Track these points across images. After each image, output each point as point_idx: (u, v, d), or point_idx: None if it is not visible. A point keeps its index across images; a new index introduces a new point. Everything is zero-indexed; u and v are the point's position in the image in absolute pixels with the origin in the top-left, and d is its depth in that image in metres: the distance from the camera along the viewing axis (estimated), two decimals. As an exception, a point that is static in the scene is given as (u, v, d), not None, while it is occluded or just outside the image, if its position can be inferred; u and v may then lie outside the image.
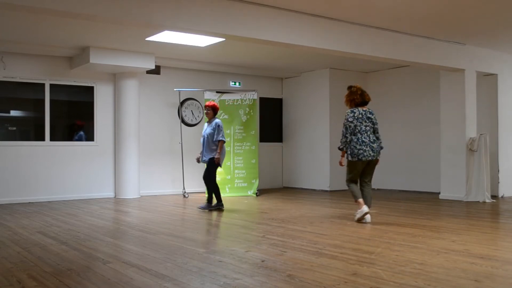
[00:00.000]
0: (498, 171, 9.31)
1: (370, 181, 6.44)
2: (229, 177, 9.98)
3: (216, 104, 7.75)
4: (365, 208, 6.11)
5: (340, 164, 6.40)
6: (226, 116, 10.05)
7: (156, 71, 10.02)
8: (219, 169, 9.87)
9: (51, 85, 9.13)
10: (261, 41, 6.53)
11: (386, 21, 7.23)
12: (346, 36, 7.24)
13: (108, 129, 9.70)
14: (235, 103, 10.10)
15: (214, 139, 7.47)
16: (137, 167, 9.66)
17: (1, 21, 6.92)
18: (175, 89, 10.06)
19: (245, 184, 10.00)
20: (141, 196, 9.77)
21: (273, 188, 11.66)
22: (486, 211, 7.44)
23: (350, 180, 6.38)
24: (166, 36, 7.63)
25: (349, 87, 6.59)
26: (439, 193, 9.34)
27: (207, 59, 9.88)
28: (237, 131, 10.07)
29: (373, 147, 6.20)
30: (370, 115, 6.28)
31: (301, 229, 5.69)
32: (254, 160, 10.07)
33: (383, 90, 11.24)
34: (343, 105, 10.98)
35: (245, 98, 10.13)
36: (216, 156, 7.43)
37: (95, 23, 6.91)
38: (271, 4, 6.27)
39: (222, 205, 7.66)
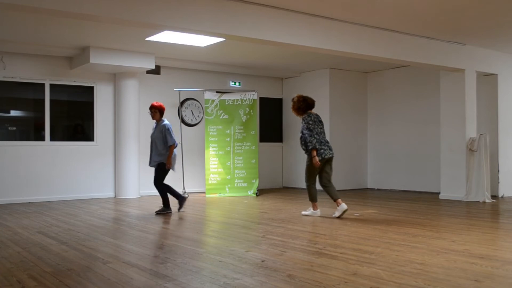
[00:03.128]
0: (498, 171, 9.31)
1: (331, 178, 6.81)
2: (229, 177, 9.98)
3: (162, 104, 7.36)
4: (318, 212, 6.82)
5: (317, 164, 6.52)
6: (226, 116, 10.05)
7: (156, 71, 10.02)
8: (218, 169, 9.93)
9: (51, 85, 9.13)
10: (261, 41, 6.53)
11: (386, 21, 7.23)
12: (346, 36, 7.23)
13: (108, 129, 9.70)
14: (235, 103, 10.10)
15: (164, 143, 7.08)
16: (137, 167, 9.66)
17: (1, 21, 6.92)
18: (175, 89, 10.06)
19: (245, 184, 10.00)
20: (141, 196, 9.76)
21: (273, 188, 11.66)
22: (486, 211, 7.44)
23: (312, 181, 6.77)
24: (166, 36, 7.63)
25: (293, 99, 6.91)
26: (439, 193, 9.34)
27: (207, 59, 9.88)
28: (237, 131, 10.07)
29: (329, 146, 6.72)
30: (320, 119, 6.81)
31: (301, 229, 5.69)
32: (254, 160, 10.07)
33: (383, 90, 11.24)
34: (343, 105, 11.10)
35: (245, 98, 10.13)
36: (169, 161, 7.05)
37: (95, 23, 6.92)
38: (271, 4, 6.27)
39: (170, 210, 7.22)
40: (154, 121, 7.43)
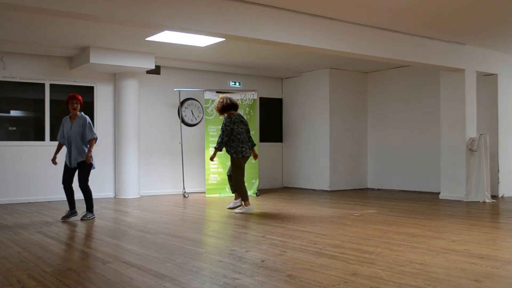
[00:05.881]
0: (498, 171, 9.31)
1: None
2: (229, 177, 9.97)
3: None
4: (251, 208, 7.33)
5: (212, 159, 7.35)
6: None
7: (156, 71, 10.02)
8: (218, 169, 9.92)
9: (51, 85, 9.13)
10: (261, 41, 6.53)
11: (386, 21, 7.23)
12: (346, 36, 7.24)
13: (108, 129, 9.70)
14: (235, 103, 10.09)
15: (88, 138, 6.52)
16: (137, 167, 9.66)
17: (1, 21, 6.92)
18: (175, 89, 10.06)
19: (245, 184, 9.97)
20: (141, 196, 9.76)
21: (273, 188, 11.66)
22: (486, 211, 7.44)
23: (242, 179, 7.32)
24: (166, 36, 7.63)
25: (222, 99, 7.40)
26: (439, 193, 9.34)
27: (207, 59, 9.88)
28: (237, 131, 10.06)
29: (248, 145, 7.32)
30: (242, 119, 7.35)
31: (301, 229, 5.69)
32: (254, 160, 10.06)
33: (383, 90, 11.25)
34: (343, 105, 11.09)
35: (245, 98, 10.13)
36: (89, 155, 6.44)
37: (95, 23, 6.92)
38: (271, 4, 6.27)
39: (93, 214, 6.69)
40: (68, 117, 6.70)
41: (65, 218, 6.59)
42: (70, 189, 6.65)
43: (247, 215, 7.06)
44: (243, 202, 7.31)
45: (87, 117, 6.68)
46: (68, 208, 6.71)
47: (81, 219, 6.57)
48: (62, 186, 6.68)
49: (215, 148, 7.22)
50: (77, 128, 6.54)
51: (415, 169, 10.51)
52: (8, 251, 4.56)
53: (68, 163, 6.60)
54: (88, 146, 6.55)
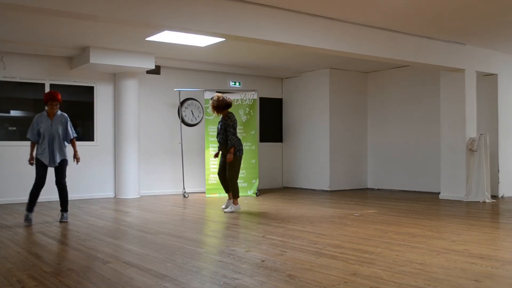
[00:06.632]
0: (498, 171, 9.31)
1: None
2: (229, 177, 9.96)
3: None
4: (239, 207, 7.42)
5: (230, 159, 7.21)
6: (226, 116, 10.04)
7: (156, 71, 10.02)
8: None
9: (51, 85, 9.13)
10: (261, 41, 6.54)
11: (386, 21, 7.23)
12: (346, 36, 7.24)
13: (108, 129, 9.70)
14: (235, 103, 10.08)
15: (71, 137, 6.42)
16: (137, 167, 9.66)
17: (1, 21, 6.92)
18: (175, 89, 10.06)
19: (245, 184, 9.99)
20: (141, 196, 9.76)
21: (273, 188, 11.66)
22: (486, 211, 7.44)
23: (237, 178, 7.42)
24: (166, 36, 7.63)
25: (211, 98, 7.55)
26: (439, 193, 9.34)
27: (207, 59, 9.88)
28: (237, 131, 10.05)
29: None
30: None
31: (301, 229, 5.69)
32: (254, 160, 10.07)
33: (383, 90, 11.25)
34: (343, 105, 11.09)
35: (245, 98, 10.13)
36: (78, 156, 6.45)
37: (95, 23, 6.91)
38: (271, 4, 6.27)
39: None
40: (45, 114, 6.39)
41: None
42: (41, 190, 6.32)
43: (248, 215, 7.07)
44: (233, 200, 7.36)
45: (66, 115, 6.48)
46: (29, 212, 6.30)
47: (60, 221, 6.36)
48: (36, 187, 6.25)
49: (231, 147, 7.22)
50: (59, 126, 6.36)
51: (415, 169, 10.51)
52: (8, 251, 4.56)
53: (47, 162, 6.29)
54: (72, 146, 6.51)
